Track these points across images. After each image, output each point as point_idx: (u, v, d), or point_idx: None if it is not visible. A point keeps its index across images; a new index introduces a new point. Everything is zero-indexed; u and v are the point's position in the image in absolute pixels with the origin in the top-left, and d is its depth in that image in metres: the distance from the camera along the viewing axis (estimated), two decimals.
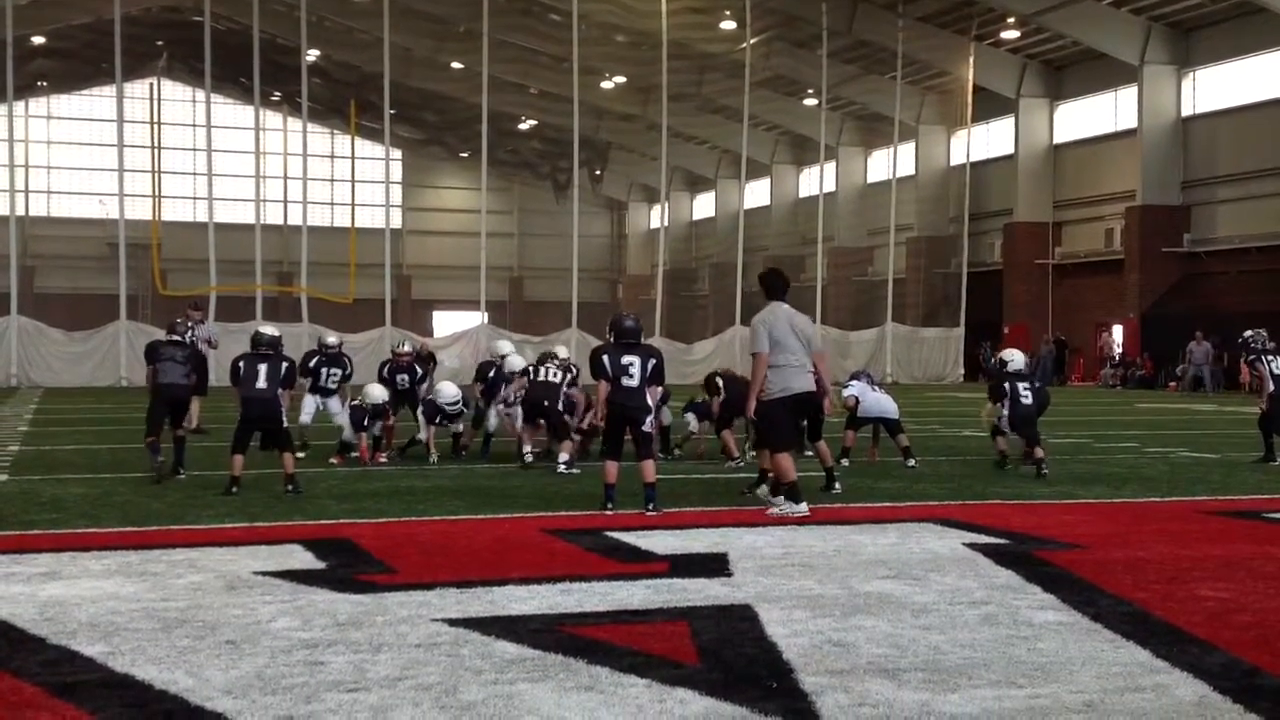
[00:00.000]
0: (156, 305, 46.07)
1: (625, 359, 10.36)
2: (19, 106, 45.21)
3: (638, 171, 67.22)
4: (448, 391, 14.75)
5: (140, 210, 44.70)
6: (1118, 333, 43.81)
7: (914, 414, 14.72)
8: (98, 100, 60.29)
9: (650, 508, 10.10)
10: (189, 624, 6.18)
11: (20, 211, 42.92)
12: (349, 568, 7.74)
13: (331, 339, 16.28)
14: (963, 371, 45.19)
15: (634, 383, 10.32)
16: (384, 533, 9.19)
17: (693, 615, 6.43)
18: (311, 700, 4.90)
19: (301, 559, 8.05)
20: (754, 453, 12.98)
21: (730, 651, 5.71)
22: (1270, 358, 15.09)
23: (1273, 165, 38.16)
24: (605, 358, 10.37)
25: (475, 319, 42.93)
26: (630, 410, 10.35)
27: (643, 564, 7.97)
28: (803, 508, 9.92)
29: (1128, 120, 42.99)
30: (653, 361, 10.44)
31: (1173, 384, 38.47)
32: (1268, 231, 38.12)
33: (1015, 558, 8.08)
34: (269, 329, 12.77)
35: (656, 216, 65.51)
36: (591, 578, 7.40)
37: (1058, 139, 46.71)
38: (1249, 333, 16.02)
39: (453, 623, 6.22)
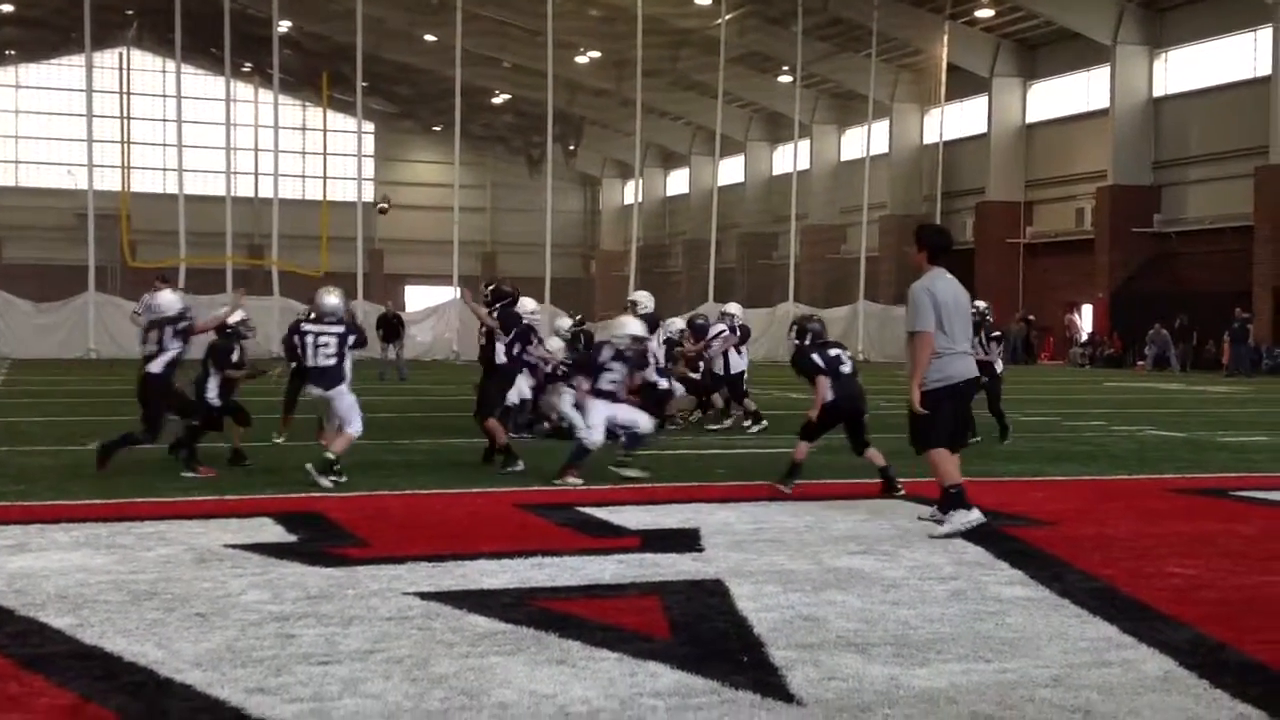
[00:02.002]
0: (125, 277, 45.73)
1: (832, 351, 10.28)
2: None
3: (611, 147, 67.08)
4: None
5: (109, 181, 44.35)
6: (1087, 312, 44.08)
7: (885, 392, 14.82)
8: (66, 69, 59.70)
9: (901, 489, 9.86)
10: (158, 596, 6.16)
11: None
12: (320, 541, 7.72)
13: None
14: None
15: (850, 369, 10.19)
16: (355, 506, 9.16)
17: (664, 590, 6.45)
18: (282, 672, 4.89)
19: (272, 532, 8.03)
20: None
21: (701, 625, 5.73)
22: None
23: (1243, 146, 38.40)
24: (815, 356, 10.16)
25: (448, 294, 42.80)
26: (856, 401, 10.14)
27: (614, 539, 7.98)
28: (975, 514, 8.13)
29: (1100, 100, 43.18)
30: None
31: (1140, 363, 38.78)
32: (1237, 212, 38.39)
33: (984, 534, 8.11)
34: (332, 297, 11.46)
35: (630, 192, 65.46)
36: (563, 552, 7.41)
37: (1030, 118, 46.89)
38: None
39: (424, 596, 6.21)
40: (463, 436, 14.29)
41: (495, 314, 12.01)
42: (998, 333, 15.31)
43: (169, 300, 11.79)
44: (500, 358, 11.97)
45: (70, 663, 5.00)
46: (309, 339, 10.87)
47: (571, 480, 10.53)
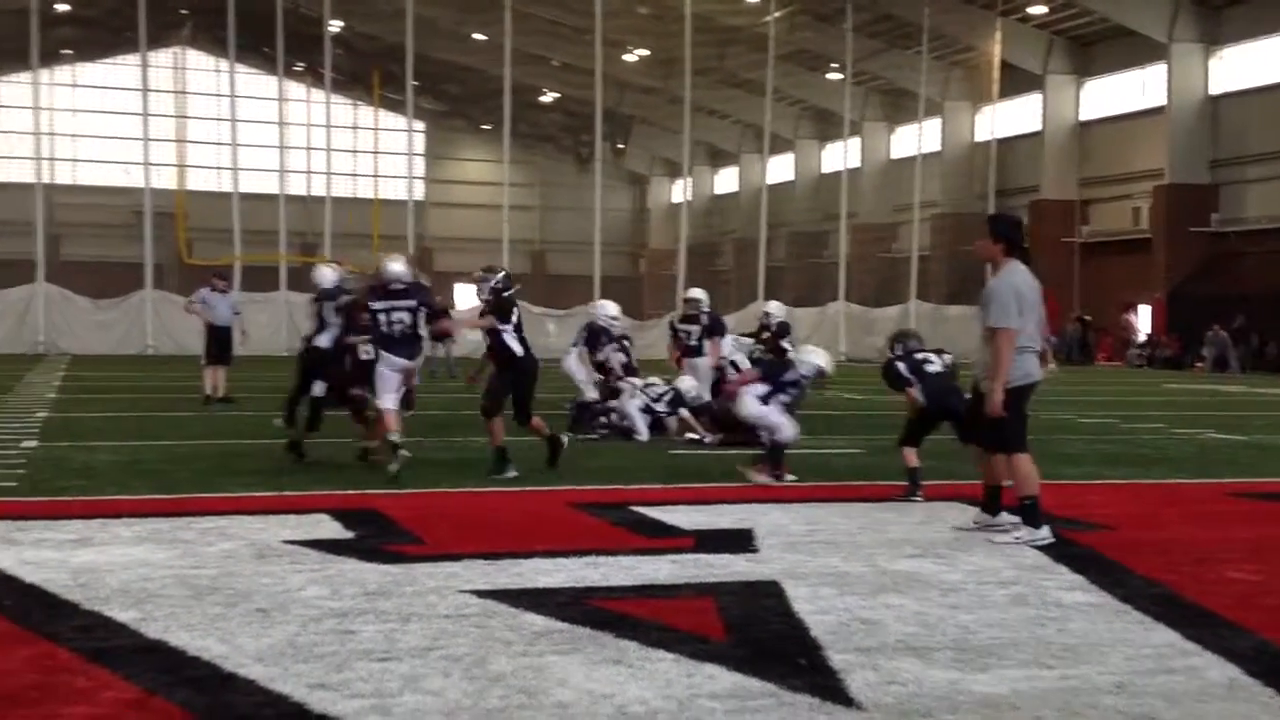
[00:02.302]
0: (181, 274, 46.22)
1: (918, 355, 10.12)
2: (44, 74, 45.23)
3: (660, 145, 67.03)
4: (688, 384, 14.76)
5: (165, 179, 44.81)
6: (1144, 313, 43.58)
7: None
8: (122, 68, 60.37)
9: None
10: (220, 591, 6.23)
11: (46, 179, 43.02)
12: (377, 538, 7.78)
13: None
14: None
15: (938, 368, 10.00)
16: (411, 504, 9.22)
17: (719, 591, 6.44)
18: (343, 669, 4.93)
19: (330, 528, 8.09)
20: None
21: (757, 627, 5.72)
22: None
23: None
24: (900, 365, 9.93)
25: None
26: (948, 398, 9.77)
27: (668, 539, 7.98)
28: (1045, 532, 7.85)
29: (1156, 98, 42.66)
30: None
31: (1199, 364, 38.31)
32: None
33: None
34: (398, 264, 11.18)
35: (679, 191, 65.38)
36: (618, 552, 7.41)
37: (1084, 116, 46.40)
38: None
39: (481, 594, 6.24)
40: (514, 435, 14.33)
41: (490, 302, 11.21)
42: None
43: (327, 276, 12.11)
44: (515, 348, 11.09)
45: (135, 656, 5.07)
46: (380, 316, 10.65)
47: (760, 478, 10.47)
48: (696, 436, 14.16)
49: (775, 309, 17.12)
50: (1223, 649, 5.42)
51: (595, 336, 15.60)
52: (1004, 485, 8.27)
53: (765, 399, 10.96)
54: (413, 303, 10.86)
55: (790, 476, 10.76)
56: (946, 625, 5.79)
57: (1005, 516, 8.18)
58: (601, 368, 15.39)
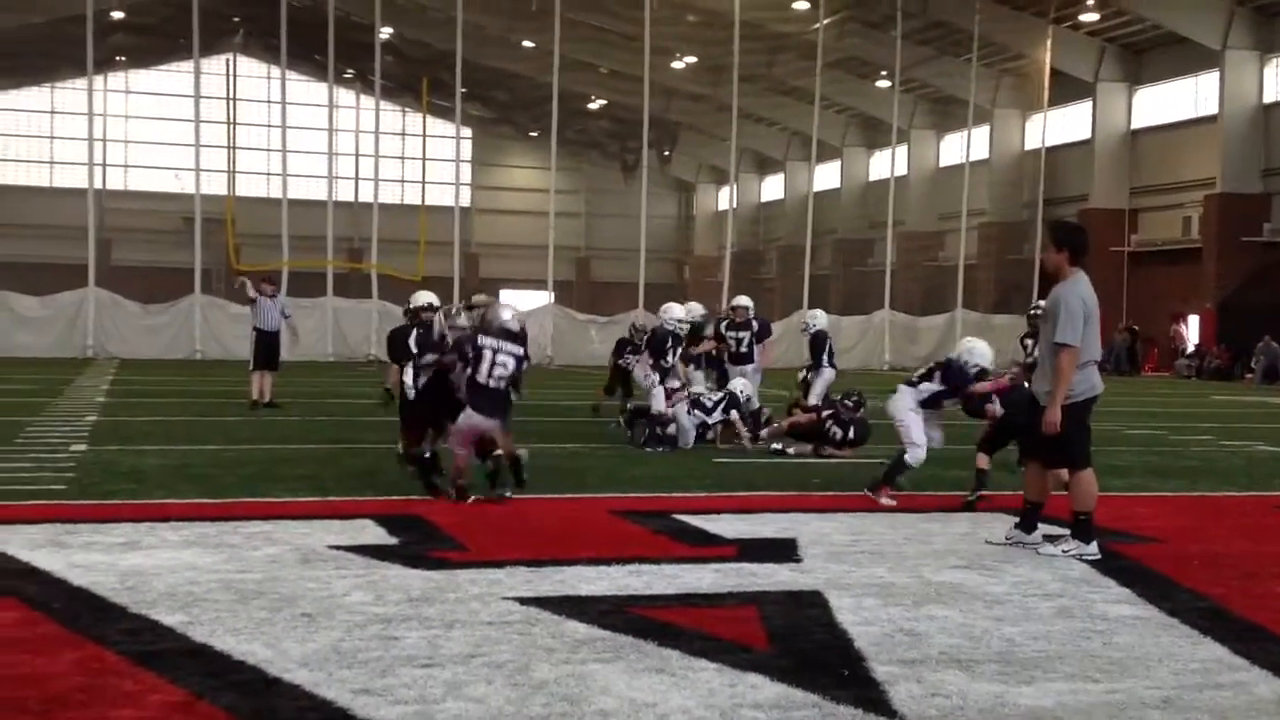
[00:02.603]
0: (230, 280, 46.66)
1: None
2: (97, 81, 45.81)
3: (707, 152, 67.03)
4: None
5: (215, 185, 45.26)
6: (1194, 323, 43.11)
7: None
8: (174, 75, 61.06)
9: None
10: (265, 596, 6.28)
11: (98, 185, 43.54)
12: (421, 544, 7.81)
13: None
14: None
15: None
16: (453, 510, 9.25)
17: (762, 600, 6.43)
18: (387, 674, 4.96)
19: (374, 534, 8.14)
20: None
21: (801, 638, 5.70)
22: None
23: None
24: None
25: (542, 298, 43.06)
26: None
27: (711, 548, 7.97)
28: (1093, 548, 7.73)
29: (1208, 106, 42.20)
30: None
31: (1249, 376, 37.83)
32: None
33: None
34: (508, 312, 10.67)
35: (725, 198, 65.35)
36: (660, 560, 7.41)
37: (1136, 124, 45.97)
38: None
39: (524, 601, 6.26)
40: (557, 441, 14.37)
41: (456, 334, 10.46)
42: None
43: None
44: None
45: (181, 660, 5.12)
46: (486, 353, 9.90)
47: (885, 499, 10.01)
48: (744, 442, 14.09)
49: (819, 318, 16.85)
50: (1271, 664, 5.35)
51: (662, 342, 15.03)
52: (1041, 502, 8.15)
53: (923, 404, 10.21)
54: (520, 350, 10.18)
55: (888, 501, 10.11)
56: (991, 638, 5.75)
57: (1040, 535, 8.05)
58: (663, 374, 14.91)
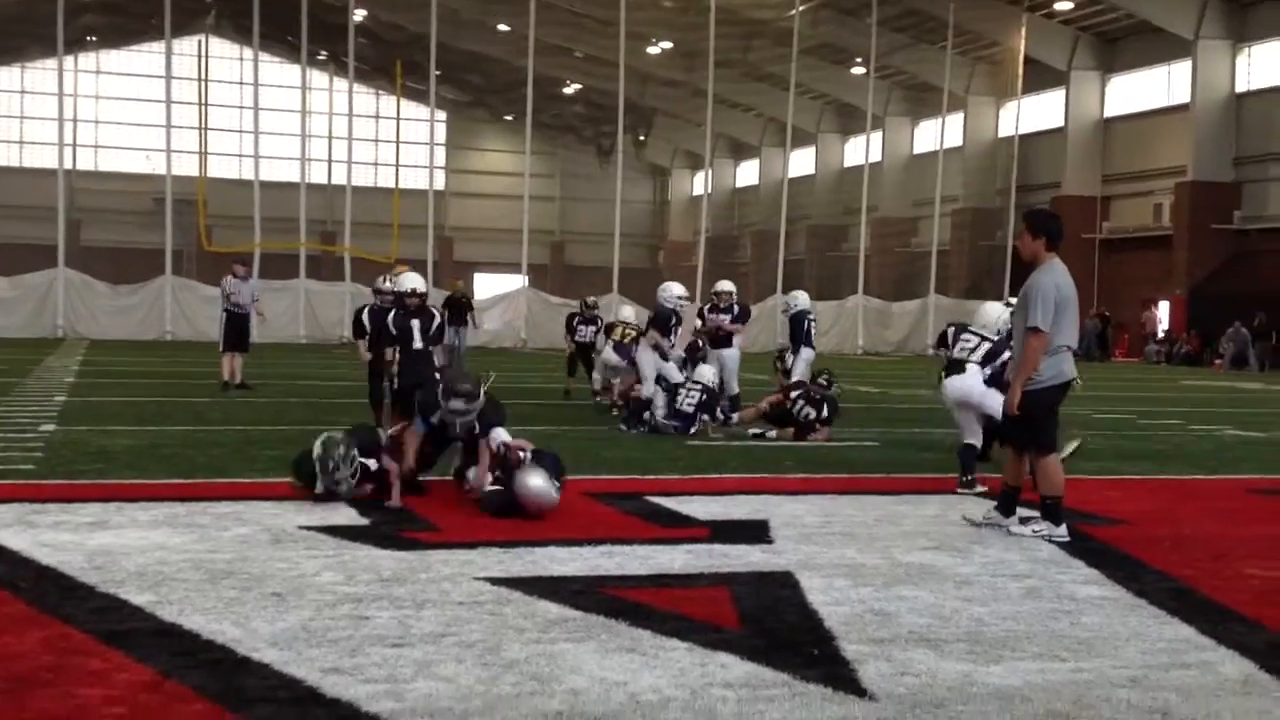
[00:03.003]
0: (201, 261, 46.39)
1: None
2: (68, 61, 45.41)
3: (682, 138, 66.96)
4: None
5: (186, 166, 44.95)
6: (1164, 309, 43.40)
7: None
8: (146, 56, 60.61)
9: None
10: (235, 575, 6.25)
11: (68, 165, 43.20)
12: (392, 524, 7.79)
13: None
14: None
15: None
16: (428, 491, 9.21)
17: (733, 581, 6.44)
18: (356, 654, 4.95)
19: (346, 515, 8.11)
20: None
21: (771, 618, 5.71)
22: None
23: None
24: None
25: (516, 282, 43.00)
26: None
27: (683, 529, 7.98)
28: (1063, 530, 7.84)
29: (1180, 95, 42.42)
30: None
31: (1218, 361, 38.13)
32: None
33: None
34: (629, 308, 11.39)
35: (700, 183, 65.33)
36: (632, 541, 7.42)
37: (1108, 112, 46.18)
38: None
39: (495, 581, 6.25)
40: (530, 424, 14.36)
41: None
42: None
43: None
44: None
45: (150, 639, 5.09)
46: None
47: (980, 486, 9.74)
48: (764, 431, 13.84)
49: (800, 299, 16.53)
50: (1238, 644, 5.40)
51: (664, 321, 14.70)
52: (1018, 486, 8.22)
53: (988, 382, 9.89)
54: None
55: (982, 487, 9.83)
56: (960, 617, 5.78)
57: (1017, 519, 8.09)
58: (663, 355, 14.72)
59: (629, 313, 18.29)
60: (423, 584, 6.16)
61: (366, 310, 13.38)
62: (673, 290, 15.12)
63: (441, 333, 11.72)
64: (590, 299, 20.90)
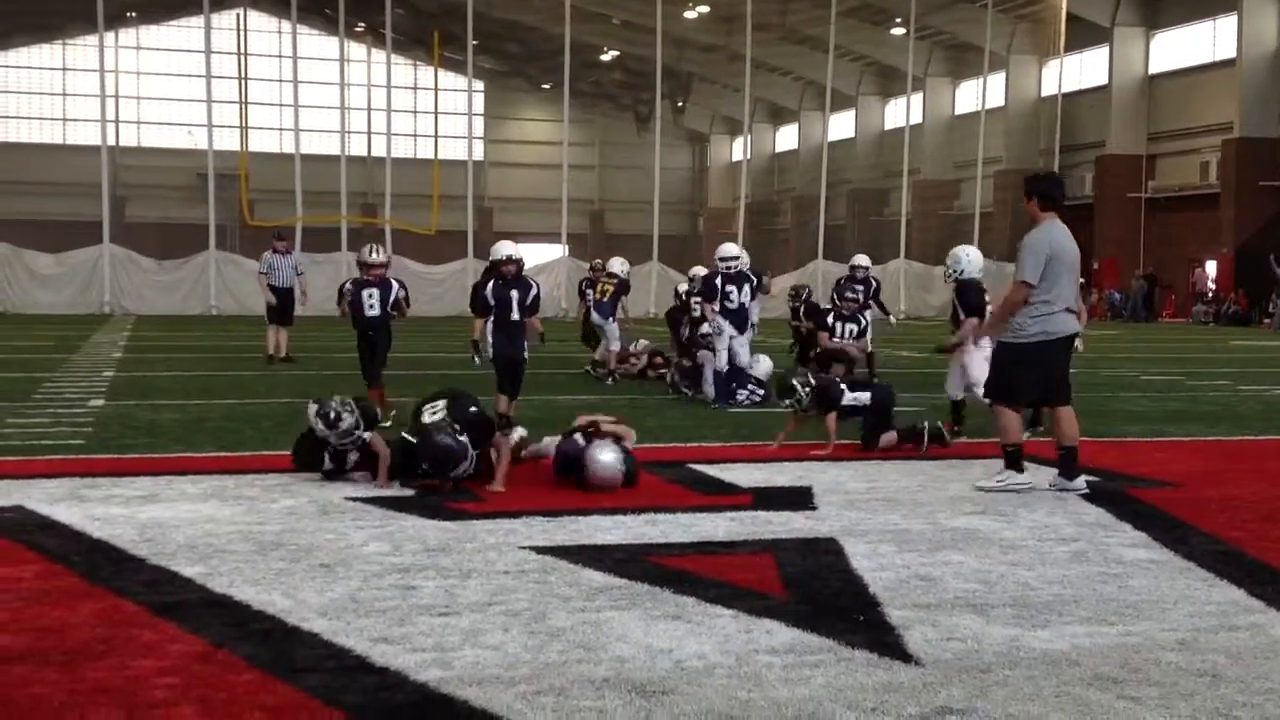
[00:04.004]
0: (244, 235, 46.68)
1: None
2: (108, 37, 45.67)
3: (720, 103, 66.65)
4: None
5: (228, 141, 45.21)
6: (1211, 268, 42.87)
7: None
8: (185, 31, 60.86)
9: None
10: (284, 547, 6.31)
11: (111, 142, 43.53)
12: (437, 495, 7.84)
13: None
14: None
15: None
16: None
17: (777, 547, 6.45)
18: (404, 623, 4.99)
19: (391, 486, 8.16)
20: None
21: (816, 584, 5.72)
22: None
23: None
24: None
25: (556, 251, 43.00)
26: None
27: (727, 496, 7.99)
28: (1025, 478, 8.16)
29: (1226, 50, 41.76)
30: None
31: (1267, 321, 37.66)
32: None
33: (1105, 495, 7.98)
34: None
35: (739, 149, 65.04)
36: (676, 509, 7.43)
37: (1153, 69, 45.54)
38: None
39: (540, 550, 6.29)
40: (571, 393, 14.40)
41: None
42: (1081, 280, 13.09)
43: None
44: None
45: (201, 610, 5.16)
46: None
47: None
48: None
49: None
50: None
51: (718, 284, 13.65)
52: (1072, 446, 8.23)
53: None
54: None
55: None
56: (1006, 582, 5.76)
57: (1083, 479, 8.13)
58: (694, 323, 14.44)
59: (617, 265, 17.43)
60: (468, 554, 6.20)
61: (350, 283, 13.13)
62: (727, 250, 13.99)
63: (538, 303, 11.30)
64: (598, 261, 20.28)
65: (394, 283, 12.55)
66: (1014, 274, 8.22)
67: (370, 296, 12.33)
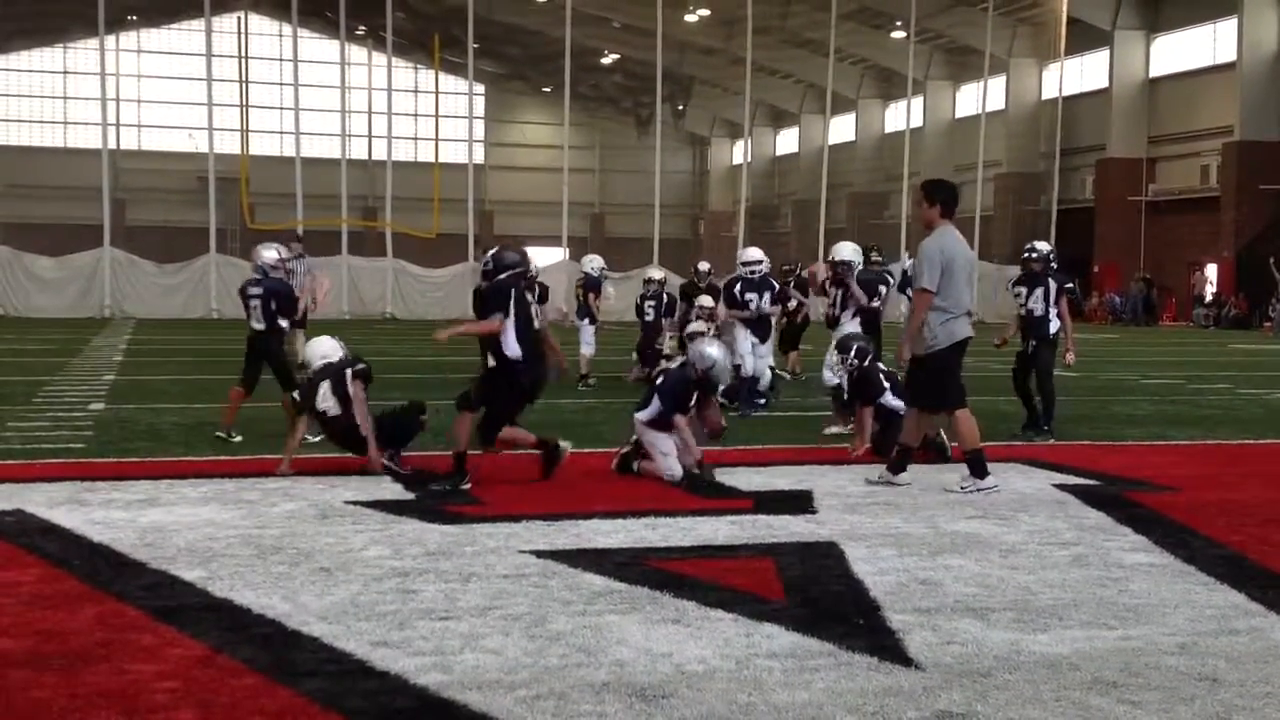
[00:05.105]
0: (245, 238, 46.68)
1: None
2: (109, 40, 45.71)
3: (721, 106, 66.66)
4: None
5: (229, 144, 45.20)
6: (1211, 272, 42.87)
7: (1003, 354, 14.34)
8: (186, 34, 60.92)
9: None
10: (284, 551, 6.32)
11: (112, 145, 43.54)
12: (438, 499, 7.84)
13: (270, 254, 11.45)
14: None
15: None
16: (470, 465, 9.24)
17: (778, 551, 6.45)
18: (404, 627, 4.99)
19: (391, 489, 8.18)
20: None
21: (816, 588, 5.72)
22: None
23: None
24: None
25: (557, 255, 43.01)
26: None
27: (727, 500, 7.99)
28: (990, 481, 8.19)
29: (1227, 53, 41.78)
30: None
31: (1267, 324, 37.66)
32: None
33: (1106, 499, 7.98)
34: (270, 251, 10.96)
35: (739, 152, 65.04)
36: (676, 513, 7.43)
37: (1153, 72, 45.56)
38: None
39: (540, 554, 6.29)
40: (572, 397, 14.39)
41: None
42: (1070, 284, 11.93)
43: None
44: (510, 349, 8.36)
45: (201, 614, 5.16)
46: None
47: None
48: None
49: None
50: None
51: (734, 295, 13.13)
52: (977, 449, 8.39)
53: None
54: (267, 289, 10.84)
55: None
56: (1007, 586, 5.76)
57: (992, 479, 8.27)
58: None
59: (588, 263, 17.08)
60: (468, 557, 6.20)
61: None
62: (749, 254, 13.50)
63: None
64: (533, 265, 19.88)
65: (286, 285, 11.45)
66: (916, 284, 8.38)
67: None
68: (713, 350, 9.08)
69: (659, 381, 9.24)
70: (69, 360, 19.24)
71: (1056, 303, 11.33)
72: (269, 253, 11.03)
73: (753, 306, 13.10)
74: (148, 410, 12.70)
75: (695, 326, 13.33)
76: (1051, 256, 11.63)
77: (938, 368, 8.28)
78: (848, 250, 12.59)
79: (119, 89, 59.91)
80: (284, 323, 10.91)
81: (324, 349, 9.28)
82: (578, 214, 56.60)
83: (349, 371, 8.98)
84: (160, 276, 37.83)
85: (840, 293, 12.31)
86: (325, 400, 8.92)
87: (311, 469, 8.96)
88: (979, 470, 8.22)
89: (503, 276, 8.49)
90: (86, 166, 50.22)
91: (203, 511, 7.30)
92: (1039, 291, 11.34)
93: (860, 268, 12.52)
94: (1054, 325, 11.35)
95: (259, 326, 10.70)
